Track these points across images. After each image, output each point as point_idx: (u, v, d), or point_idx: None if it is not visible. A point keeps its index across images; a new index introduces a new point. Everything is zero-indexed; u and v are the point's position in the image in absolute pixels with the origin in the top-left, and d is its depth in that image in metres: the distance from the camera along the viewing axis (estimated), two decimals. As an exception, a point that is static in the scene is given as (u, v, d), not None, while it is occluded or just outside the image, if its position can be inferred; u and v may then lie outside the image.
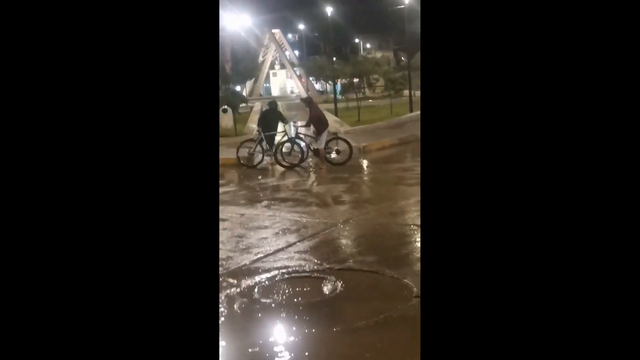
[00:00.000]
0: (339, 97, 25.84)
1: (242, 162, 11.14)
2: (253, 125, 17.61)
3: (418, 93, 26.96)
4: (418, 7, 29.38)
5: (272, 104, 11.84)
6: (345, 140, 10.90)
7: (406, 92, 24.71)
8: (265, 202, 7.94)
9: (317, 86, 48.41)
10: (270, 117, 11.52)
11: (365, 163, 11.19)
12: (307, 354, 3.46)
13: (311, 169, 10.75)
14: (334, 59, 27.97)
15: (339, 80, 25.90)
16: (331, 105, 23.79)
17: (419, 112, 20.31)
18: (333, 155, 10.73)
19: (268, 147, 11.24)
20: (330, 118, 12.38)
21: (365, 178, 9.81)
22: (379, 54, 38.89)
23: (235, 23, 22.70)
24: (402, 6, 28.94)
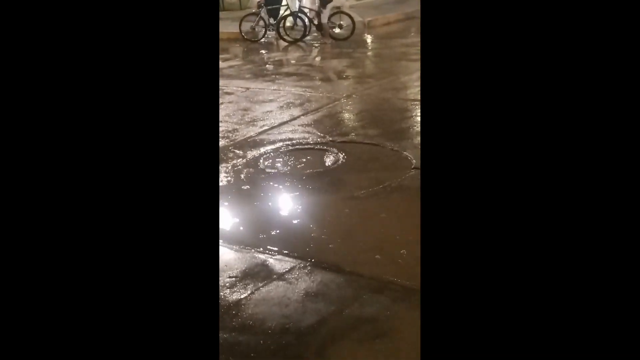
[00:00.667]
0: None
1: (245, 36, 10.91)
2: (255, -2, 17.09)
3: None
4: None
5: None
6: (349, 15, 10.63)
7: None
8: (269, 77, 7.96)
9: None
10: None
11: (369, 38, 11.00)
12: (309, 217, 3.68)
13: (315, 44, 10.57)
14: None
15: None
16: None
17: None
18: (336, 30, 10.53)
19: (271, 21, 10.97)
20: None
21: (369, 53, 9.71)
22: None
23: None
24: None
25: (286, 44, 10.60)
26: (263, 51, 10.17)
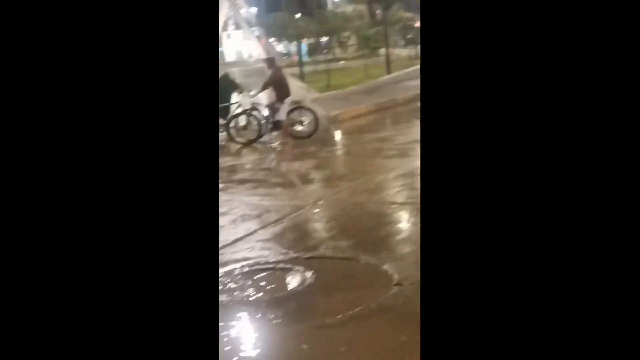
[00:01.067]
0: (305, 59, 25.76)
1: None
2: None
3: (396, 51, 26.89)
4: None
5: (225, 73, 11.80)
6: (311, 110, 10.87)
7: (382, 51, 24.75)
8: (220, 186, 7.90)
9: (280, 48, 48.22)
10: (222, 87, 11.41)
11: (337, 134, 11.21)
12: (269, 357, 3.46)
13: (273, 145, 10.73)
14: (298, 15, 27.83)
15: (304, 40, 25.81)
16: (297, 70, 23.70)
17: (397, 74, 20.41)
18: (297, 127, 10.68)
19: (222, 121, 11.10)
20: (296, 84, 12.25)
21: (338, 151, 9.86)
22: (349, 8, 38.71)
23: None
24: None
25: (239, 146, 10.72)
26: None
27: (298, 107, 10.96)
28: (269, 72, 10.93)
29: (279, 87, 10.54)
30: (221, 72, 11.56)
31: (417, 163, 7.74)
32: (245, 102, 11.41)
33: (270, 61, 11.29)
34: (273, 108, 10.67)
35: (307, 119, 10.68)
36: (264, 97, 11.12)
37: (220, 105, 11.21)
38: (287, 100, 10.59)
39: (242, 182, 8.06)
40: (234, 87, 11.60)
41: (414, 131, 10.49)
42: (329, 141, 10.52)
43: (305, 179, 7.86)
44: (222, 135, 11.07)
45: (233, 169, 9.17)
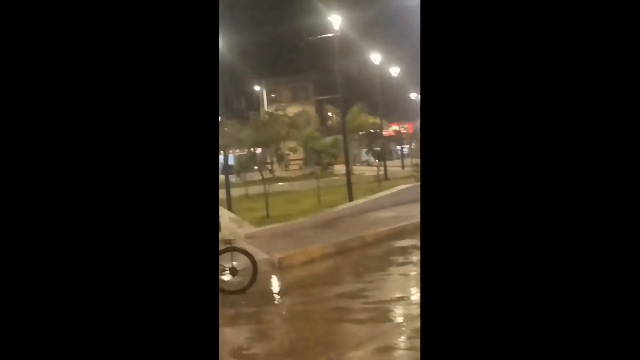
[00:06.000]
0: (233, 178, 25.61)
1: None
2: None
3: (359, 169, 27.26)
4: (352, 36, 30.12)
5: None
6: (244, 252, 10.76)
7: (340, 167, 24.99)
8: None
9: None
10: None
11: (283, 286, 10.97)
12: None
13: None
14: (223, 118, 28.05)
15: (230, 151, 25.85)
16: (222, 193, 23.41)
17: (362, 201, 20.48)
18: (226, 276, 10.52)
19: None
20: (222, 215, 12.01)
21: (284, 313, 9.54)
22: (293, 109, 39.39)
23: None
24: (329, 34, 27.61)
25: None
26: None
27: (228, 248, 10.71)
28: None
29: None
30: None
31: (399, 330, 7.53)
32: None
33: None
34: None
35: (240, 265, 10.53)
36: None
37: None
38: (213, 239, 10.39)
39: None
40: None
41: (392, 285, 10.36)
42: (270, 297, 10.25)
43: (240, 356, 7.45)
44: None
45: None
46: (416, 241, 13.53)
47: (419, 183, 12.32)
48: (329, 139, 27.77)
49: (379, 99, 38.25)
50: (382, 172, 27.97)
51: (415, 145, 53.24)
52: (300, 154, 27.81)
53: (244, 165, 26.77)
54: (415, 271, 10.83)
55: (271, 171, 25.19)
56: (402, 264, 11.95)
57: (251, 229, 16.26)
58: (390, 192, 22.19)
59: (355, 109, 34.11)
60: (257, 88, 62.20)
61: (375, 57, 39.07)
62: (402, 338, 7.21)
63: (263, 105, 57.77)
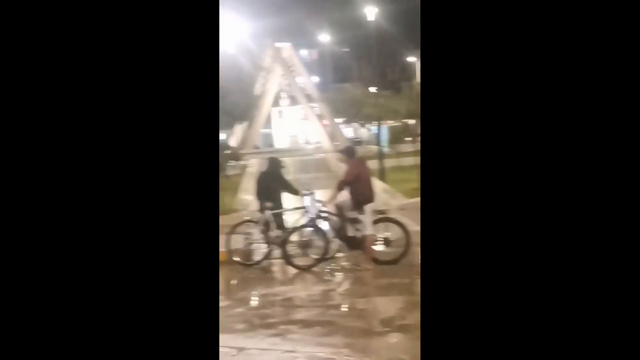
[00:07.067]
0: (385, 149, 25.15)
1: (234, 257, 10.87)
2: (248, 196, 17.42)
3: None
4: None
5: (273, 163, 11.67)
6: (398, 223, 10.44)
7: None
8: (275, 328, 7.62)
9: (349, 132, 47.49)
10: (271, 185, 11.26)
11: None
12: None
13: (342, 270, 10.44)
14: (374, 88, 27.27)
15: (384, 122, 25.40)
16: (374, 164, 21.62)
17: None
18: (379, 247, 10.32)
19: (273, 234, 10.91)
20: (375, 186, 11.53)
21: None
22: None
23: (221, 32, 22.78)
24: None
25: (296, 270, 10.39)
26: (261, 283, 10.09)
27: (382, 218, 10.50)
28: (343, 166, 10.66)
29: (360, 188, 10.15)
30: (271, 167, 11.56)
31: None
32: (310, 207, 10.79)
33: (349, 151, 10.97)
34: (348, 218, 10.31)
35: (394, 235, 10.26)
36: (338, 194, 10.49)
37: (276, 210, 11.12)
38: (368, 208, 10.20)
39: (307, 324, 7.70)
40: (285, 186, 11.26)
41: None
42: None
43: (393, 325, 7.43)
44: (278, 253, 10.86)
45: (291, 304, 8.86)
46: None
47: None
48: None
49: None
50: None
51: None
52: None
53: (397, 136, 26.32)
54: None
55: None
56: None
57: (403, 200, 16.32)
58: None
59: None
60: (412, 59, 61.42)
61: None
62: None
63: (416, 76, 56.72)
